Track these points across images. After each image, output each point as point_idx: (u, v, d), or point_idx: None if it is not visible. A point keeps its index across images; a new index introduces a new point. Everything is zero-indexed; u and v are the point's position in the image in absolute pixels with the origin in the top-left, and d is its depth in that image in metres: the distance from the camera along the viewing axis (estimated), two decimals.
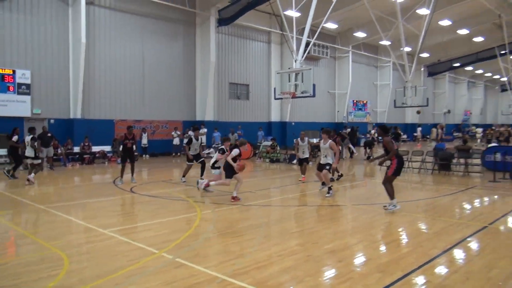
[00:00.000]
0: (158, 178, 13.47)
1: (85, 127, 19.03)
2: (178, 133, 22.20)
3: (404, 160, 8.01)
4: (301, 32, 18.47)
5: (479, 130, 39.17)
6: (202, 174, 11.79)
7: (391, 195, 7.88)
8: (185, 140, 12.49)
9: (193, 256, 5.25)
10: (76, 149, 18.43)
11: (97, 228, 6.65)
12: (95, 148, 18.96)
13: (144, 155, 20.98)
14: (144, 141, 20.84)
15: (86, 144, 18.45)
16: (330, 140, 9.96)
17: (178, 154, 22.27)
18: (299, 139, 12.56)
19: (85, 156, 18.22)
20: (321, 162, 9.98)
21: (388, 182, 7.92)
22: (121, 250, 5.48)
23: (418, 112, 33.67)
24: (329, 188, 9.77)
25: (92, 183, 13.18)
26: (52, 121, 18.47)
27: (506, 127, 29.04)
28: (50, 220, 7.40)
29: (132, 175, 12.31)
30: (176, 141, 22.11)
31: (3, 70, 16.90)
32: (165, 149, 22.38)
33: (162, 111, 22.41)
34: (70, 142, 18.15)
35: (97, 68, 19.77)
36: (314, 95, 14.81)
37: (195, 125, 13.43)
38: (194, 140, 12.06)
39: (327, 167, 9.75)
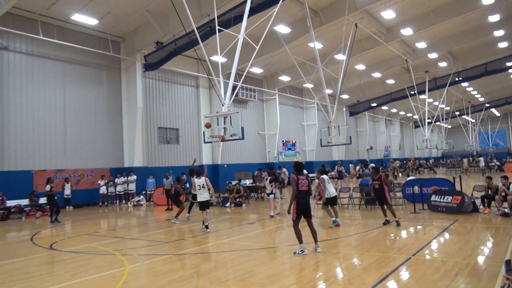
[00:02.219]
0: (82, 231, 12.54)
1: None
2: (105, 181, 21.13)
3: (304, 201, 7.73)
4: (228, 76, 18.94)
5: (372, 165, 40.85)
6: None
7: (298, 239, 7.77)
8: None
9: None
10: None
11: None
12: (10, 202, 17.30)
13: (67, 207, 19.58)
14: (67, 191, 19.54)
15: (0, 198, 16.81)
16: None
17: (106, 204, 21.10)
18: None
19: None
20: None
21: (294, 226, 7.84)
22: None
23: (371, 148, 36.47)
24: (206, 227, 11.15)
25: (6, 242, 11.89)
26: None
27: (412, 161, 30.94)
28: None
29: (189, 212, 14.13)
30: (103, 189, 20.98)
31: None
32: (90, 200, 21.10)
33: (86, 159, 21.29)
34: None
35: (12, 116, 18.45)
36: (243, 138, 14.96)
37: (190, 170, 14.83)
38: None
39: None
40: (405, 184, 15.65)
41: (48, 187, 14.35)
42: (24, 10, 18.50)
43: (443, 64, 34.58)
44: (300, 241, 7.77)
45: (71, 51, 20.60)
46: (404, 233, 9.97)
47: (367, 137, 49.83)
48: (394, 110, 55.74)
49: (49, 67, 20.01)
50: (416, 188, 13.80)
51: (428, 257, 7.40)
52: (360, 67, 33.49)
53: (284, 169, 27.94)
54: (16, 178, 18.22)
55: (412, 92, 35.72)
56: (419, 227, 10.88)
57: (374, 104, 44.00)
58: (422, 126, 38.04)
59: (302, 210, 7.75)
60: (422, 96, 37.52)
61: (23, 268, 7.91)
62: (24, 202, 17.84)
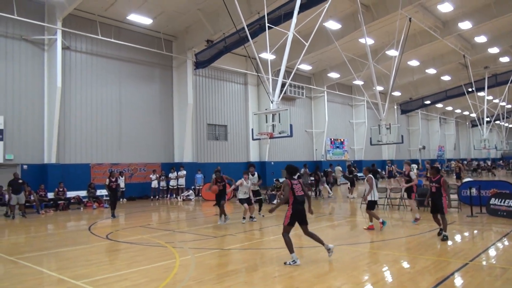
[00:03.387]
0: (135, 223, 13.10)
1: (59, 172, 18.55)
2: (157, 175, 21.90)
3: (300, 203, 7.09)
4: (276, 73, 18.93)
5: (414, 166, 37.00)
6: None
7: (289, 248, 7.06)
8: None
9: None
10: (50, 195, 17.80)
11: (69, 280, 6.33)
12: (70, 193, 18.40)
13: (121, 199, 20.49)
14: (122, 184, 20.35)
15: (61, 189, 17.90)
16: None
17: (157, 197, 21.87)
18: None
19: (59, 202, 17.63)
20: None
21: (284, 233, 7.16)
22: None
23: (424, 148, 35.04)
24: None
25: (66, 230, 12.67)
26: (25, 166, 17.95)
27: (456, 162, 28.90)
28: (19, 272, 7.01)
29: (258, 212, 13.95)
30: (154, 184, 21.76)
31: None
32: (143, 193, 21.95)
33: (139, 153, 22.17)
34: (43, 188, 17.54)
35: (73, 112, 19.59)
36: (291, 135, 14.93)
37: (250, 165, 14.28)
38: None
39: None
40: (461, 186, 14.93)
41: (107, 181, 14.61)
42: (84, 11, 19.54)
43: (504, 59, 32.47)
44: (291, 251, 7.07)
45: (126, 50, 21.51)
46: (459, 238, 9.51)
47: (420, 136, 47.94)
48: (449, 108, 53.19)
49: (106, 66, 21.01)
50: (474, 191, 13.11)
51: (487, 263, 7.02)
52: (414, 63, 32.25)
53: (338, 167, 27.87)
54: (75, 171, 19.34)
55: (470, 89, 33.88)
56: (476, 231, 10.34)
57: (428, 102, 42.20)
58: (480, 125, 36.04)
59: (297, 217, 7.12)
60: (480, 94, 35.51)
61: (83, 255, 8.38)
62: (83, 193, 18.91)
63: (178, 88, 23.83)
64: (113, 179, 14.59)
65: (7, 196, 15.51)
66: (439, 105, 48.54)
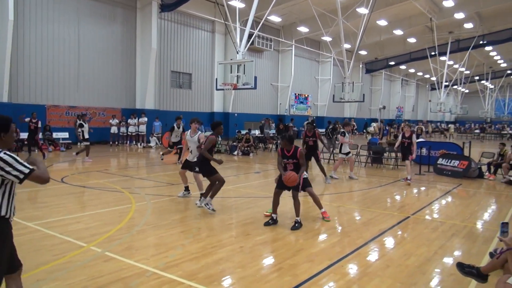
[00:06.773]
0: (93, 168, 12.93)
1: (11, 112, 17.65)
2: (117, 121, 21.41)
3: None
4: (245, 23, 18.48)
5: (374, 124, 32.96)
6: (179, 158, 12.30)
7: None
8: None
9: (124, 249, 5.12)
10: None
11: (21, 221, 6.26)
12: (24, 135, 17.71)
13: (79, 143, 19.98)
14: (86, 128, 19.75)
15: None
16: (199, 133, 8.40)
17: (116, 143, 21.51)
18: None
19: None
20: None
21: None
22: (46, 244, 5.21)
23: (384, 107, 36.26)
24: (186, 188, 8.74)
25: None
26: None
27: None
28: None
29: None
30: (114, 129, 21.34)
31: None
32: (101, 138, 21.48)
33: (99, 97, 21.45)
34: None
35: (26, 48, 18.44)
36: (255, 87, 14.93)
37: (179, 116, 14.68)
38: (176, 128, 13.48)
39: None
40: None
41: (27, 119, 15.93)
42: None
43: (468, 25, 33.09)
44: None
45: None
46: (406, 193, 10.11)
47: (381, 96, 49.06)
48: (411, 71, 54.38)
49: (64, 0, 19.64)
50: (424, 151, 13.81)
51: (427, 217, 7.55)
52: (382, 22, 32.24)
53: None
54: (29, 112, 18.46)
55: (433, 53, 34.68)
56: (422, 188, 11.00)
57: (392, 63, 42.95)
58: (439, 88, 37.25)
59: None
60: (442, 58, 36.43)
61: (37, 197, 8.28)
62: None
63: (142, 31, 22.82)
64: (34, 120, 15.88)
65: None
66: (403, 67, 49.57)
